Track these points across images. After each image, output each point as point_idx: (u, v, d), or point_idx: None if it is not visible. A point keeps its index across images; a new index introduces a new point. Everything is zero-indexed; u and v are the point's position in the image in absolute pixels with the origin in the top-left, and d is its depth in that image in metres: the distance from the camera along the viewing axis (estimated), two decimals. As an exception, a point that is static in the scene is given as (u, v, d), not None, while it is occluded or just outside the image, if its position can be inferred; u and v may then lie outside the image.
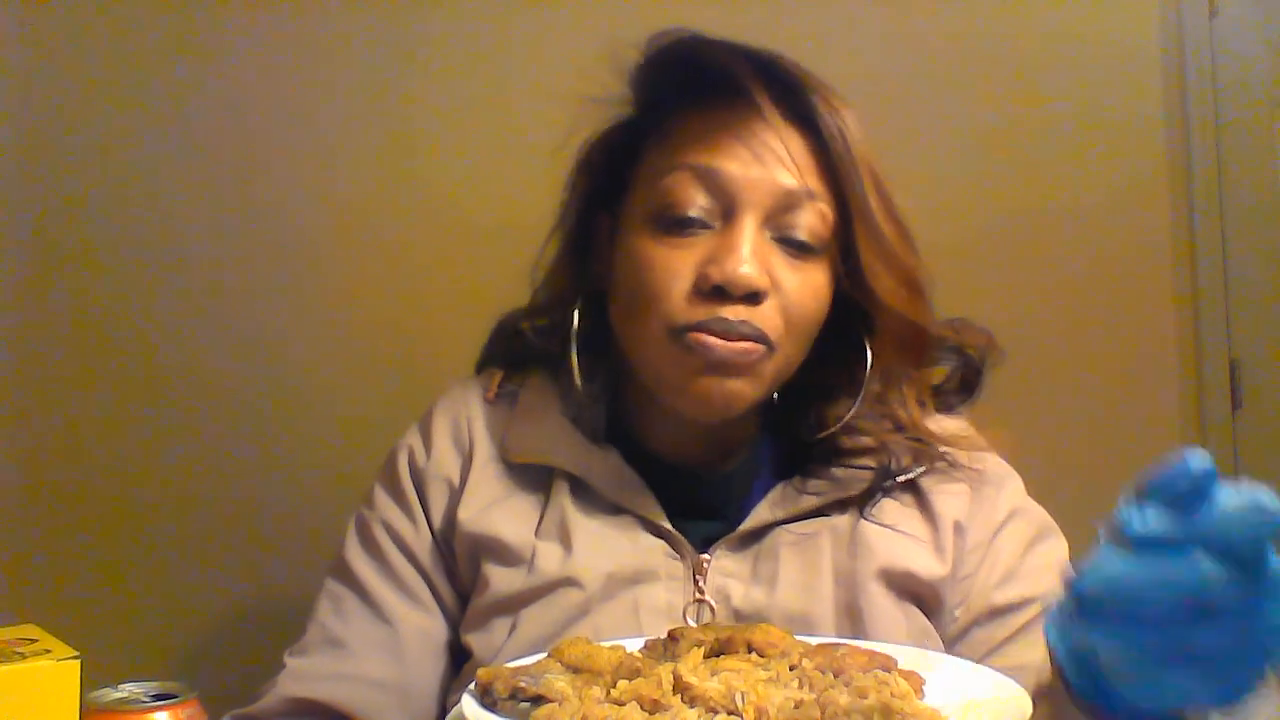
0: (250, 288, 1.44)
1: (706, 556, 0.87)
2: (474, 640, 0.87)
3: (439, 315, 1.46)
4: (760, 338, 0.82)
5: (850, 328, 0.90)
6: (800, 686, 0.65)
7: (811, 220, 0.84)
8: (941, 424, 0.93)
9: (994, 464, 0.94)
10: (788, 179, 0.84)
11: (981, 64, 1.59)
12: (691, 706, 0.61)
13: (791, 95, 0.86)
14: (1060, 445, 1.44)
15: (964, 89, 1.59)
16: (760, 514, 0.88)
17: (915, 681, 0.68)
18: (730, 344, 0.82)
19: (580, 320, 0.91)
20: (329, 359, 1.45)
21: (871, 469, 0.88)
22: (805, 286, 0.85)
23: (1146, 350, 1.61)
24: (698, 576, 0.86)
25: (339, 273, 1.47)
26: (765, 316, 0.83)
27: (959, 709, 0.65)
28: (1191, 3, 1.73)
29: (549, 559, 0.86)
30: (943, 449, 0.91)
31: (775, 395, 0.91)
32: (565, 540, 0.86)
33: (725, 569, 0.86)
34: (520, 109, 1.49)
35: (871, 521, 0.87)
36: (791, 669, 0.67)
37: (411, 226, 1.47)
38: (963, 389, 0.96)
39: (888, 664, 0.70)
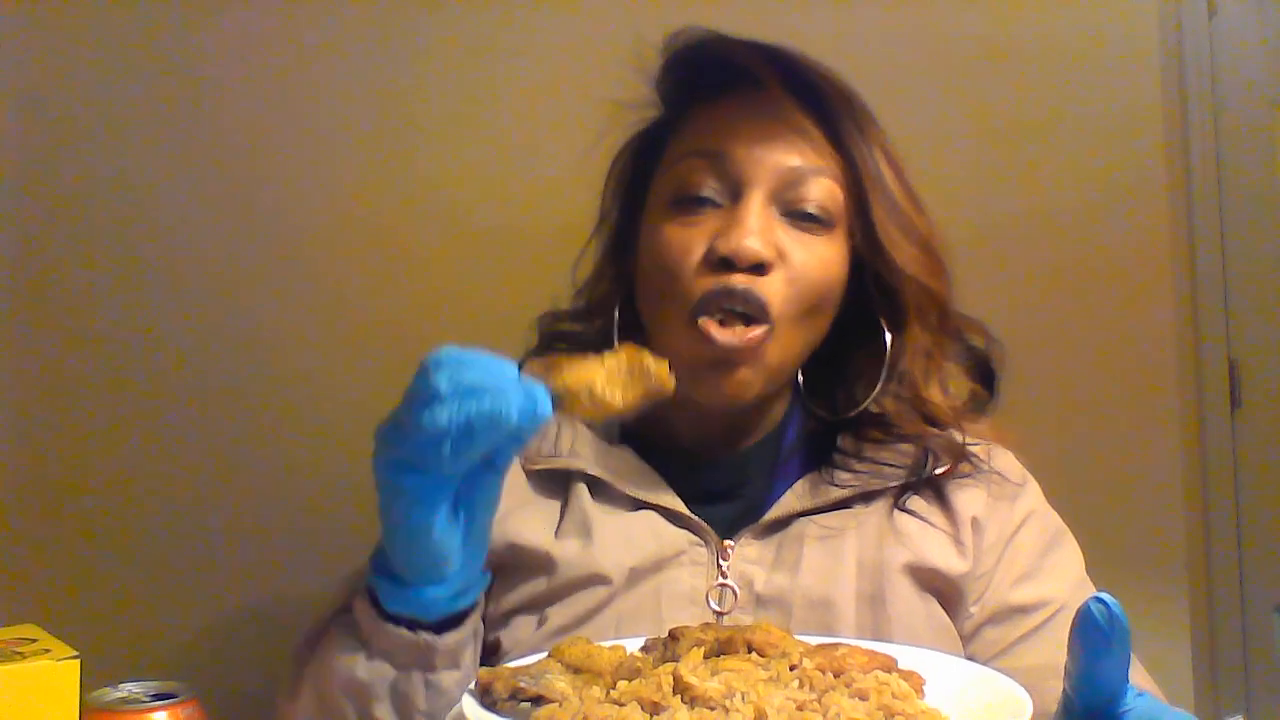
0: (251, 288, 1.44)
1: (730, 543, 0.89)
2: (502, 636, 0.88)
3: (441, 316, 1.46)
4: (761, 310, 0.85)
5: (873, 311, 0.93)
6: (800, 687, 0.65)
7: (820, 195, 0.88)
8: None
9: (1011, 465, 0.96)
10: (793, 157, 0.88)
11: (981, 63, 1.59)
12: (692, 707, 0.61)
13: (799, 80, 0.90)
14: (1059, 445, 1.44)
15: (963, 88, 1.59)
16: (786, 504, 0.90)
17: (915, 682, 0.68)
18: (732, 332, 0.85)
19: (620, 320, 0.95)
20: (329, 359, 1.45)
21: (899, 466, 0.90)
22: (813, 258, 0.88)
23: (1146, 350, 1.61)
24: (721, 561, 0.88)
25: (341, 273, 1.46)
26: (770, 287, 0.86)
27: (959, 709, 0.65)
28: (1191, 2, 1.73)
29: (571, 558, 0.87)
30: (966, 445, 0.93)
31: (800, 378, 0.94)
32: (587, 537, 0.88)
33: (749, 556, 0.88)
34: (522, 109, 1.49)
35: (905, 511, 0.90)
36: (792, 669, 0.67)
37: (413, 227, 1.47)
38: (985, 388, 0.97)
39: (888, 664, 0.70)
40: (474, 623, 0.80)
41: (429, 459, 0.68)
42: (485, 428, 0.67)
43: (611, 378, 0.73)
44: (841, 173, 0.89)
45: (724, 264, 0.86)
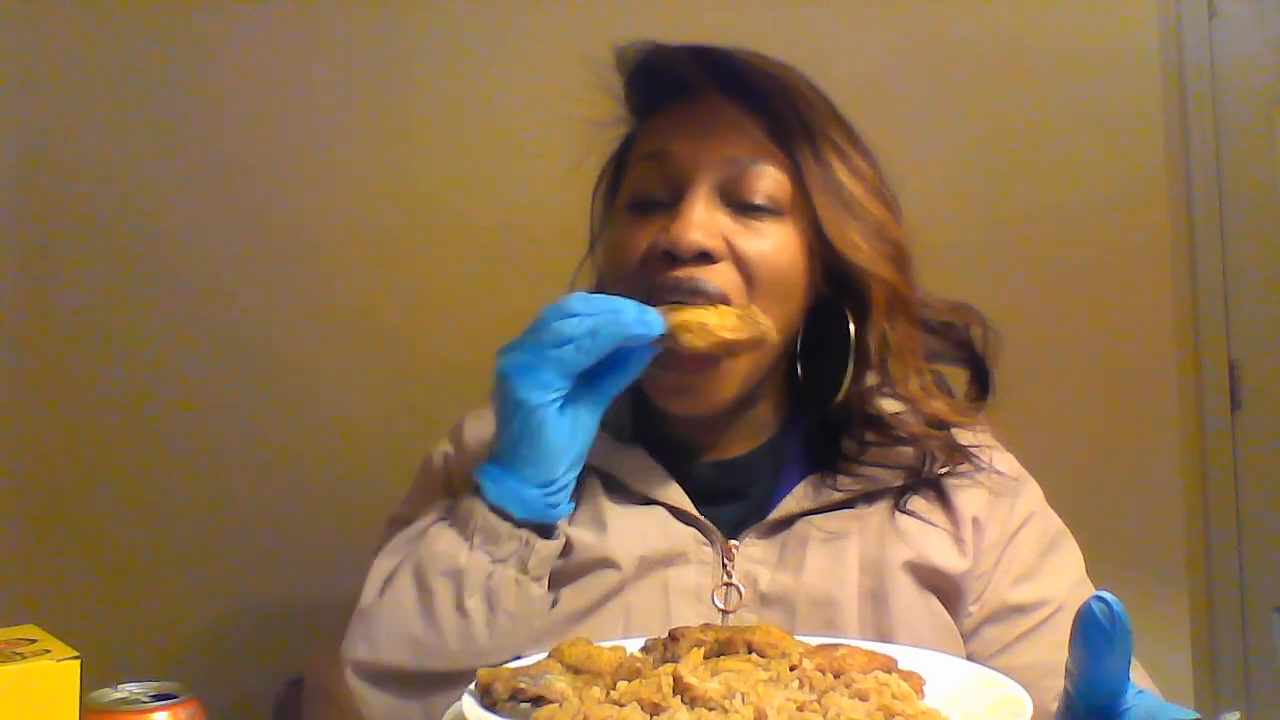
0: (249, 289, 1.44)
1: (735, 543, 0.90)
2: None
3: (438, 318, 1.46)
4: (718, 295, 0.87)
5: (842, 302, 0.93)
6: (800, 687, 0.65)
7: (764, 184, 0.90)
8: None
9: (1012, 467, 0.97)
10: (734, 150, 0.90)
11: (981, 64, 1.59)
12: (692, 708, 0.61)
13: (737, 81, 0.92)
14: (1060, 445, 1.44)
15: (964, 89, 1.59)
16: (788, 505, 0.91)
17: (915, 682, 0.68)
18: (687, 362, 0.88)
19: None
20: (328, 360, 1.45)
21: (898, 467, 0.92)
22: (762, 244, 0.89)
23: (1146, 350, 1.61)
24: (727, 561, 0.89)
25: (339, 275, 1.47)
26: (720, 276, 0.88)
27: (959, 709, 0.65)
28: (1191, 3, 1.73)
29: (585, 542, 0.89)
30: (966, 446, 0.94)
31: (800, 372, 0.95)
32: (600, 526, 0.90)
33: (753, 555, 0.90)
34: (518, 112, 1.49)
35: (905, 513, 0.91)
36: (792, 669, 0.67)
37: (410, 230, 1.47)
38: (976, 386, 0.98)
39: (888, 664, 0.70)
40: (560, 544, 0.86)
41: (558, 360, 0.79)
42: (608, 329, 0.79)
43: (724, 318, 0.83)
44: (787, 164, 0.91)
45: (668, 258, 0.88)
